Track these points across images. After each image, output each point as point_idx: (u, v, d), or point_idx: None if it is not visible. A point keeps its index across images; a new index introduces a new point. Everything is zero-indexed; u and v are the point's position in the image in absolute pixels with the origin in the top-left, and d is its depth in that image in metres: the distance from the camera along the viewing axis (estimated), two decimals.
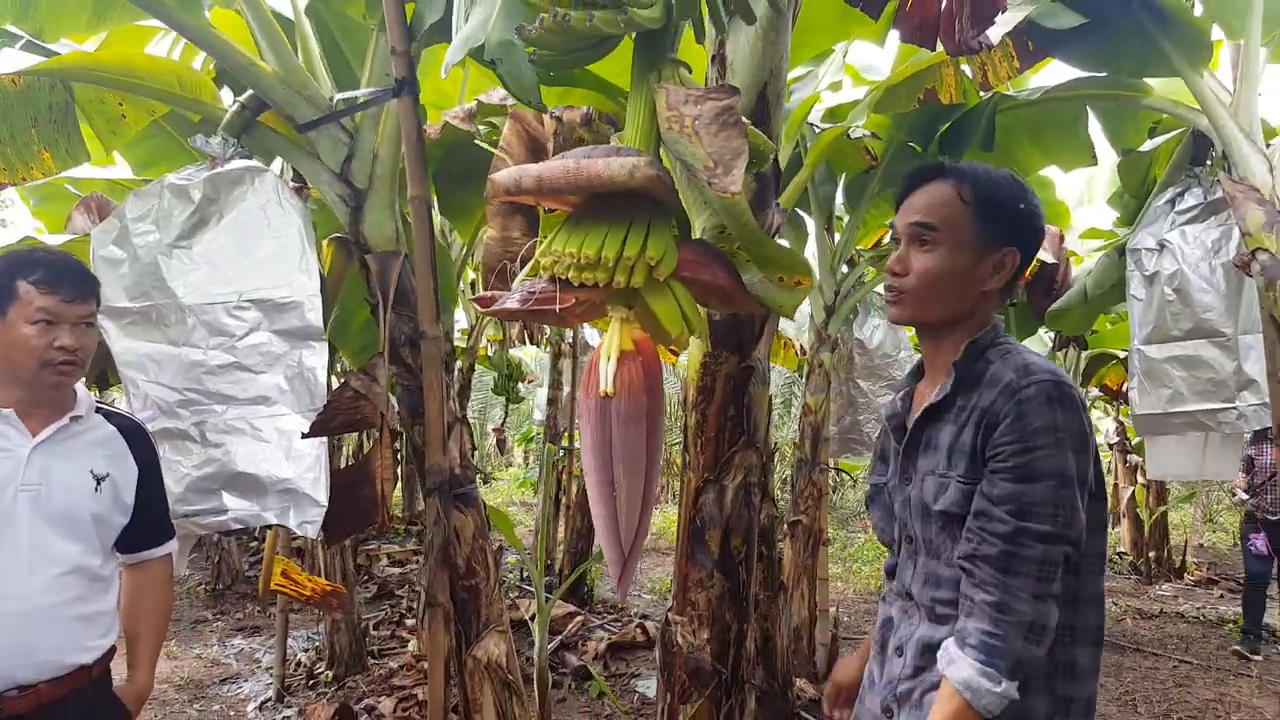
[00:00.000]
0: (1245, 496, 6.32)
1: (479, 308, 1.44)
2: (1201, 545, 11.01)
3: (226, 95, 2.94)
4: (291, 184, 3.13)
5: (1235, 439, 4.70)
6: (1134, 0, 3.43)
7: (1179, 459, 4.72)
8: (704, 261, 1.35)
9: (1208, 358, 4.01)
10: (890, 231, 1.55)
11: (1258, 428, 4.04)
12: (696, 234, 1.59)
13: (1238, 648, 6.17)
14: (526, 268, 1.43)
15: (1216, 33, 3.71)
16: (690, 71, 1.43)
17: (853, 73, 5.12)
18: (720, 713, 2.19)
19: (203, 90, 2.65)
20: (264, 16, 2.54)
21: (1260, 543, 6.21)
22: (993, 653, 1.31)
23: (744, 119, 1.29)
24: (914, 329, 1.56)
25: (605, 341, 1.33)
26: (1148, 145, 4.69)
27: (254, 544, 7.92)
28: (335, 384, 4.07)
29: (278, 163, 3.30)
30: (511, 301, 1.39)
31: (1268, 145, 3.62)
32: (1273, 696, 5.10)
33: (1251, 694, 5.23)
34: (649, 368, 1.34)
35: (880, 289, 5.53)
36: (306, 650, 5.43)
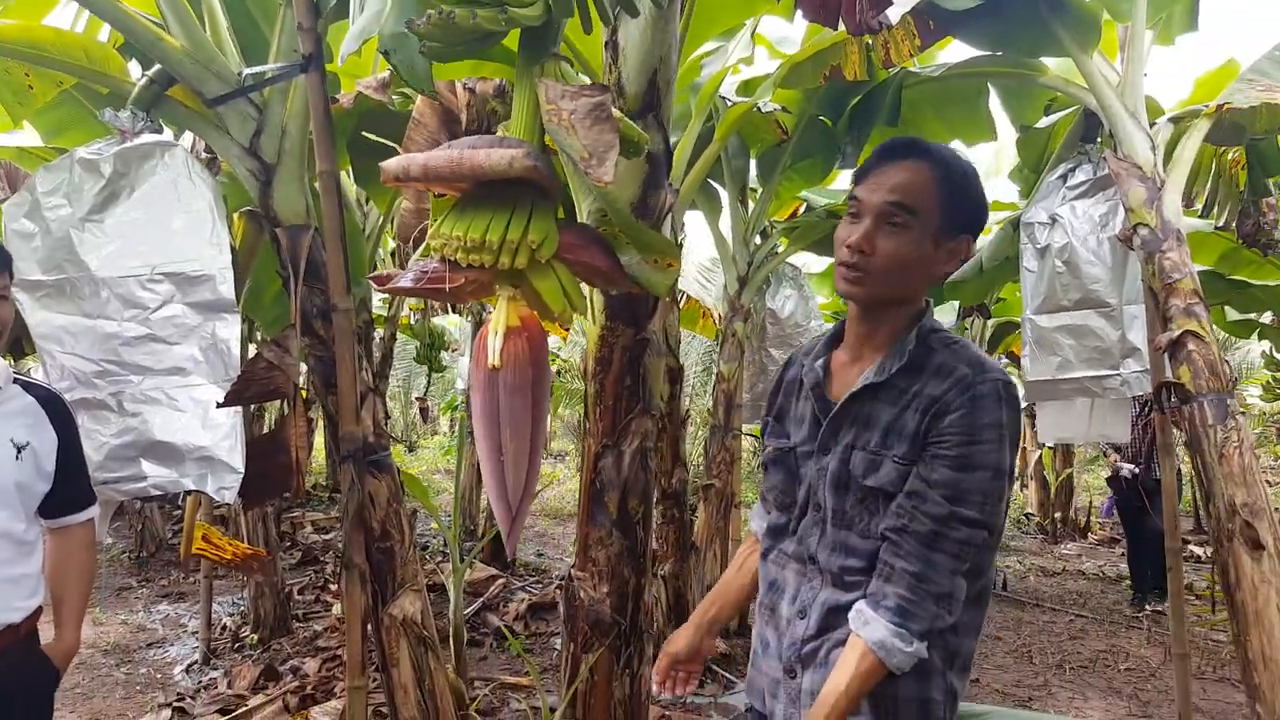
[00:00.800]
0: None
1: (376, 286, 1.53)
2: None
3: (135, 68, 2.93)
4: (203, 156, 3.15)
5: (1120, 403, 5.01)
6: None
7: (1067, 422, 5.01)
8: (583, 244, 1.47)
9: (1094, 327, 4.25)
10: (849, 202, 1.52)
11: (1139, 393, 4.32)
12: (583, 217, 1.70)
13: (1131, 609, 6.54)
14: (420, 248, 1.53)
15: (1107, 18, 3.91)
16: (572, 65, 1.53)
17: (767, 45, 5.24)
18: (620, 660, 2.34)
19: (110, 64, 2.65)
20: None
21: (1127, 469, 6.51)
22: (907, 616, 1.41)
23: (619, 113, 1.40)
24: (849, 301, 1.59)
25: (493, 318, 1.44)
26: (1044, 122, 4.90)
27: (176, 512, 7.85)
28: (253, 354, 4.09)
29: (188, 136, 3.30)
30: (405, 280, 1.49)
31: (1152, 125, 3.83)
32: (1159, 647, 5.48)
33: (1140, 645, 5.63)
34: (534, 342, 1.46)
35: (791, 260, 5.75)
36: (232, 615, 5.48)
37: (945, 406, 1.44)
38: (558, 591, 5.67)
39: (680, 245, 4.38)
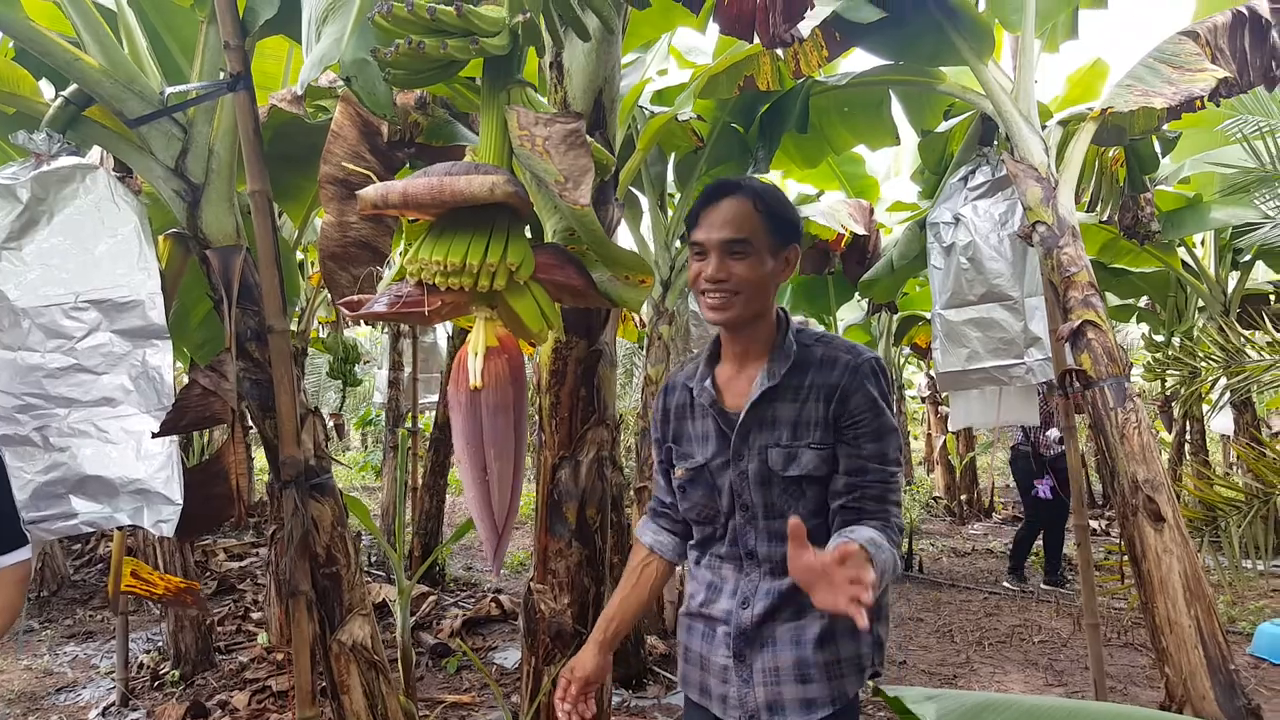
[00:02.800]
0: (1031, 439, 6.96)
1: (347, 312, 1.53)
2: (1008, 485, 12.17)
3: (46, 88, 2.81)
4: (115, 174, 3.04)
5: (1027, 390, 5.28)
6: None
7: (978, 410, 5.27)
8: (558, 264, 1.51)
9: (999, 319, 4.49)
10: (692, 246, 1.70)
11: (1044, 379, 4.57)
12: (549, 236, 1.73)
13: (1006, 584, 6.85)
14: (392, 271, 1.54)
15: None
16: (535, 89, 1.56)
17: (677, 55, 5.36)
18: None
19: (21, 84, 2.54)
20: (85, 7, 2.45)
21: (1045, 487, 6.80)
22: (885, 533, 1.60)
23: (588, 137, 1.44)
24: (720, 326, 1.76)
25: (472, 339, 1.47)
26: (943, 126, 5.14)
27: (76, 547, 7.48)
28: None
29: (95, 151, 3.18)
30: (379, 305, 1.50)
31: (1043, 127, 4.07)
32: (1068, 618, 5.80)
33: (1051, 617, 5.94)
34: (513, 361, 1.49)
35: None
36: (148, 652, 5.25)
37: (846, 392, 1.67)
38: (492, 604, 5.64)
39: None
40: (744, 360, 1.77)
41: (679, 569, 2.04)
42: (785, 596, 1.69)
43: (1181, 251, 7.01)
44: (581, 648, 1.88)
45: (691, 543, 1.89)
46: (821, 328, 7.86)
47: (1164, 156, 4.99)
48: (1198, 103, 3.55)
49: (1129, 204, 5.27)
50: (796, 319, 1.75)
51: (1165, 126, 4.21)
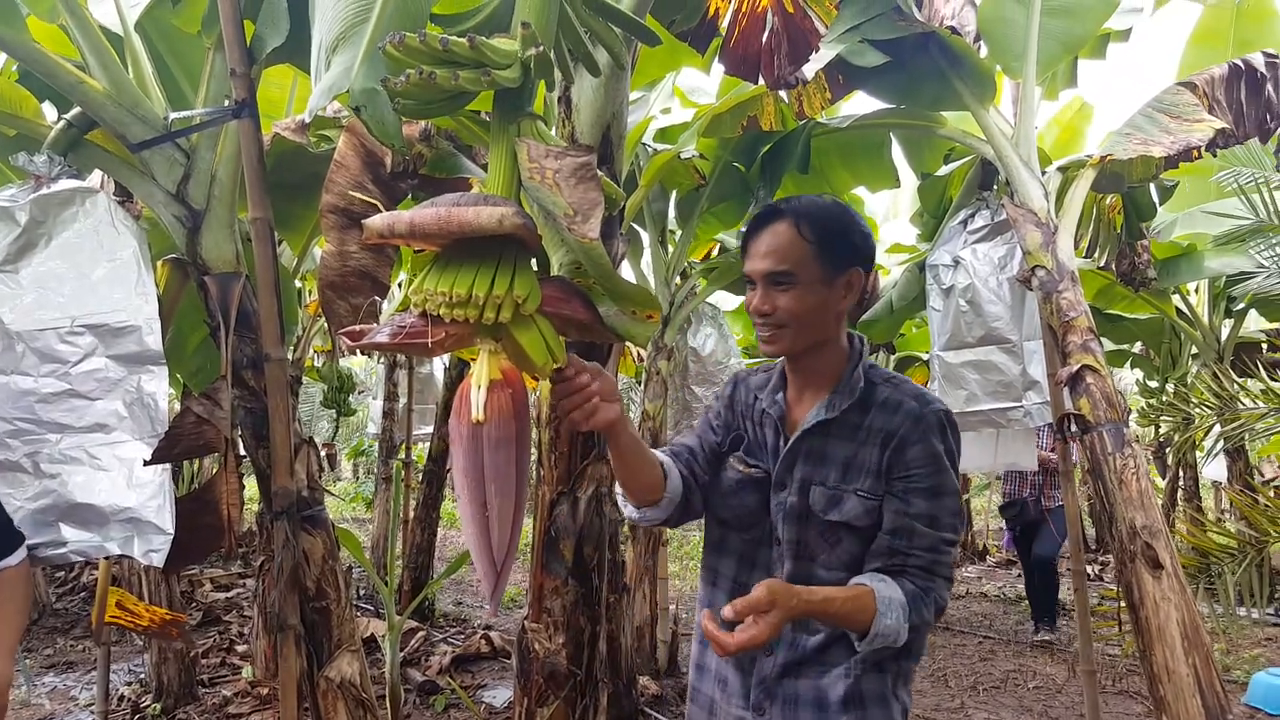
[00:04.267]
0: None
1: (349, 342, 1.51)
2: (1000, 529, 12.13)
3: (50, 111, 2.81)
4: (115, 198, 3.03)
5: (1025, 433, 5.28)
6: (930, 43, 3.80)
7: (975, 453, 5.25)
8: (565, 297, 1.48)
9: (997, 362, 4.50)
10: (746, 276, 1.63)
11: (1041, 423, 4.56)
12: (555, 269, 1.71)
13: (1040, 636, 6.63)
14: (395, 302, 1.52)
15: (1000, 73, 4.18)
16: (545, 123, 1.56)
17: (680, 94, 5.41)
18: (575, 712, 2.32)
19: (24, 106, 2.54)
20: (92, 32, 2.45)
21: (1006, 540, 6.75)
22: (917, 603, 1.50)
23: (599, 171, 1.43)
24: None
25: (475, 371, 1.44)
26: (943, 170, 5.19)
27: (60, 574, 7.36)
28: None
29: (96, 175, 3.17)
30: (382, 336, 1.47)
31: (1043, 173, 4.10)
32: (1063, 664, 5.74)
33: (1046, 663, 5.88)
34: (517, 395, 1.46)
35: (710, 300, 5.86)
36: (130, 684, 5.15)
37: (904, 440, 1.55)
38: (482, 641, 5.55)
39: None
40: (804, 389, 1.69)
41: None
42: (811, 650, 1.59)
43: (1176, 299, 7.05)
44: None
45: (711, 563, 1.77)
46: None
47: (1160, 205, 5.02)
48: (1195, 152, 3.58)
49: (1126, 251, 5.30)
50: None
51: (1162, 175, 4.25)
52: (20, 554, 2.12)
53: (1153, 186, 4.84)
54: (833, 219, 1.61)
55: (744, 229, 1.65)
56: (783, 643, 1.62)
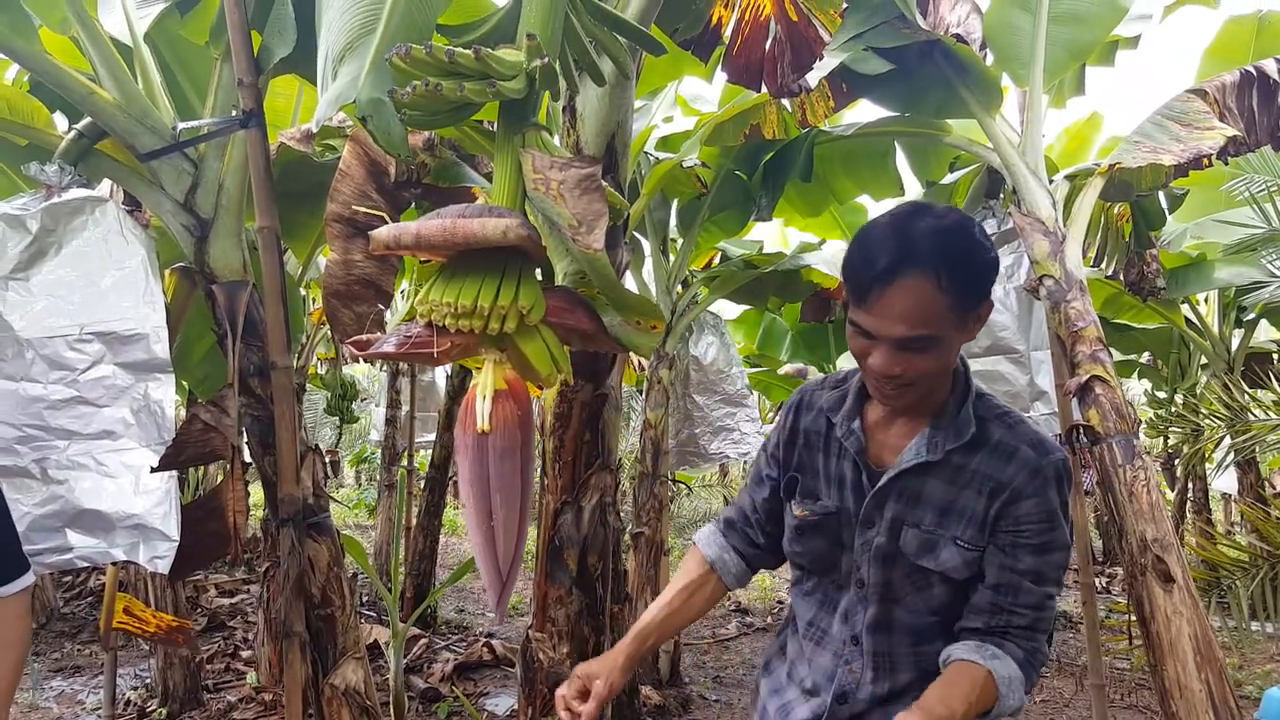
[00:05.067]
0: None
1: (355, 351, 1.52)
2: None
3: (60, 122, 2.83)
4: (124, 207, 3.05)
5: None
6: (935, 50, 3.79)
7: None
8: (569, 307, 1.49)
9: (1005, 372, 4.47)
10: (850, 322, 1.39)
11: (1048, 434, 4.52)
12: (559, 279, 1.72)
13: None
14: (401, 312, 1.53)
15: (1005, 80, 4.17)
16: (550, 134, 1.56)
17: (682, 102, 5.41)
18: None
19: (35, 116, 2.56)
20: (102, 43, 2.47)
21: None
22: (1026, 673, 1.42)
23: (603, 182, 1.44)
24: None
25: (480, 381, 1.45)
26: (949, 178, 5.16)
27: (67, 579, 7.38)
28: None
29: (105, 184, 3.19)
30: (388, 345, 1.48)
31: (1050, 181, 4.09)
32: (1070, 678, 5.69)
33: (1053, 676, 5.84)
34: (521, 405, 1.47)
35: (711, 309, 5.86)
36: (136, 688, 5.16)
37: (1017, 494, 1.42)
38: (484, 649, 5.55)
39: None
40: (895, 416, 1.51)
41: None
42: (887, 704, 1.47)
43: (1185, 308, 7.01)
44: (606, 653, 1.63)
45: (793, 601, 1.67)
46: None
47: (1170, 213, 5.00)
48: (1205, 160, 3.57)
49: (1134, 260, 5.28)
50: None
51: (1171, 183, 4.23)
52: (21, 583, 2.00)
53: (1162, 195, 4.83)
54: (968, 257, 1.34)
55: (856, 266, 1.35)
56: (860, 691, 1.52)
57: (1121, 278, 5.37)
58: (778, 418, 1.66)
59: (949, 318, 1.32)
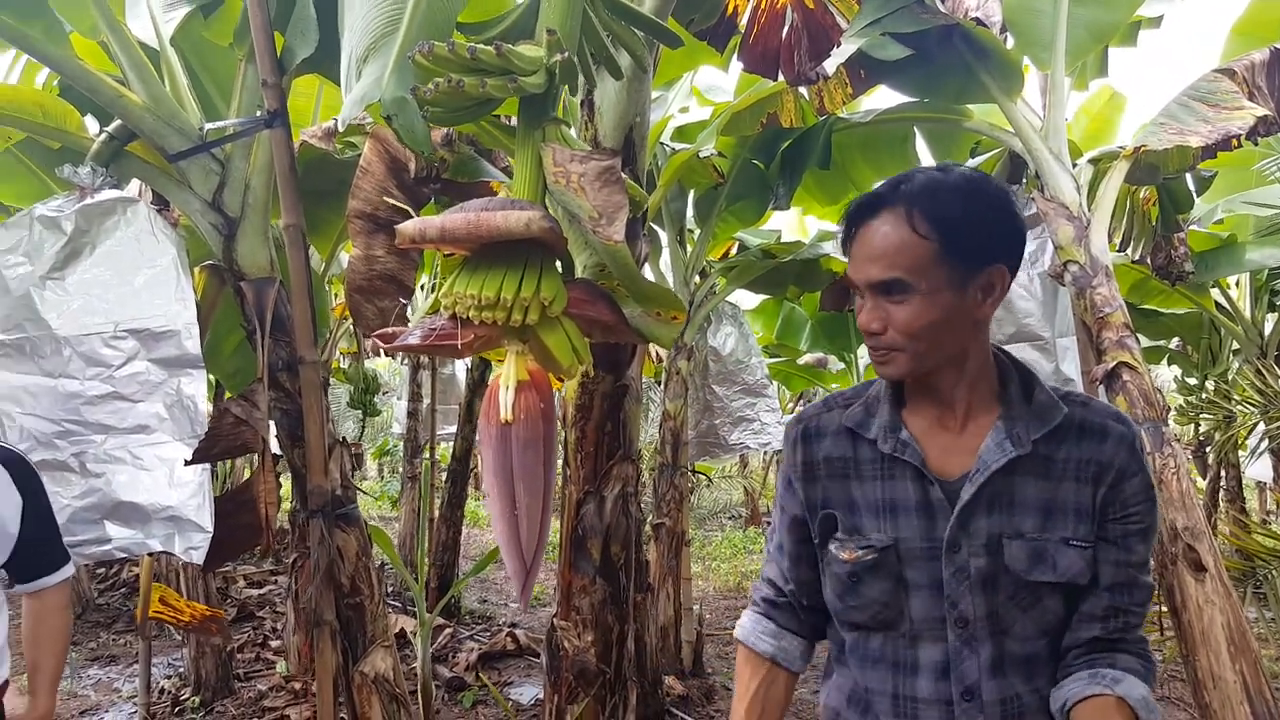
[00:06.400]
0: None
1: (380, 344, 1.55)
2: None
3: (91, 124, 2.89)
4: (154, 207, 3.11)
5: None
6: (954, 34, 3.76)
7: None
8: (591, 299, 1.51)
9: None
10: (848, 283, 1.31)
11: None
12: (580, 272, 1.74)
13: None
14: (426, 304, 1.56)
15: (1026, 62, 4.13)
16: (570, 127, 1.59)
17: (698, 93, 5.41)
18: (605, 710, 2.35)
19: (69, 120, 2.62)
20: (130, 46, 2.52)
21: None
22: (1149, 682, 1.28)
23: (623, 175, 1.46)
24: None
25: (503, 372, 1.47)
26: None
27: (101, 570, 7.54)
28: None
29: (134, 184, 3.25)
30: (413, 338, 1.51)
31: (1074, 165, 4.05)
32: None
33: None
34: (544, 395, 1.50)
35: (730, 299, 5.86)
36: (170, 677, 5.27)
37: (1122, 473, 1.26)
38: (508, 639, 5.60)
39: None
40: (949, 412, 1.32)
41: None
42: None
43: (1215, 292, 6.91)
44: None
45: (857, 655, 1.38)
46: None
47: (1198, 196, 4.94)
48: (1234, 141, 3.52)
49: (1161, 244, 5.22)
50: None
51: (1199, 165, 4.18)
52: (63, 573, 2.09)
53: (1189, 177, 4.77)
54: (960, 203, 1.22)
55: (843, 220, 1.29)
56: None
57: (1149, 262, 5.31)
58: (783, 460, 1.45)
59: (934, 269, 1.20)
